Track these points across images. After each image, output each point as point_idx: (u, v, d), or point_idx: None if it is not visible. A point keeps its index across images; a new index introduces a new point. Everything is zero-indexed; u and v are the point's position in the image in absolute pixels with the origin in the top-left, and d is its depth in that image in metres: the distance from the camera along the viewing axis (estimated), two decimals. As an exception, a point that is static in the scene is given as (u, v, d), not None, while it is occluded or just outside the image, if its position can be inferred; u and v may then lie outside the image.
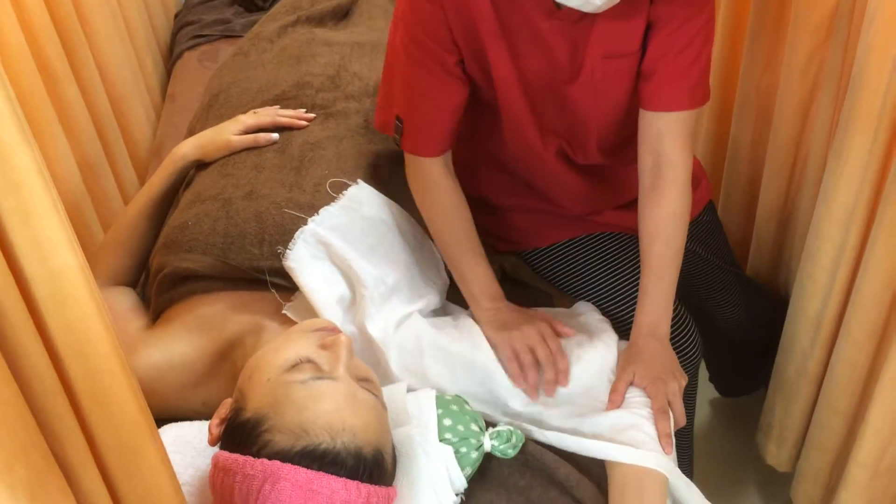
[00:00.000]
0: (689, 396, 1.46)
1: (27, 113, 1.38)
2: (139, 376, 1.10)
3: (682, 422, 1.11)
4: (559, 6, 1.06)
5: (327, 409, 0.88)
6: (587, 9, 1.00)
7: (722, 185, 1.81)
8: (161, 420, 1.09)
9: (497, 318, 1.17)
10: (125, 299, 1.26)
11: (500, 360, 1.13)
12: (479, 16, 1.09)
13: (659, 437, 1.05)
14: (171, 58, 2.21)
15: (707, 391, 1.88)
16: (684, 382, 1.13)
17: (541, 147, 1.23)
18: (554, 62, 1.13)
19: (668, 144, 1.14)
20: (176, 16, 2.35)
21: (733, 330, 1.61)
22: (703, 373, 1.83)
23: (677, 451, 1.42)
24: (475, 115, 1.27)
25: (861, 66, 1.21)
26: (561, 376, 1.12)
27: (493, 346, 1.14)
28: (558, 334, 1.17)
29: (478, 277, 1.21)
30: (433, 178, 1.21)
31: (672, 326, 1.28)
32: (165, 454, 0.70)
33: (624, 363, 1.13)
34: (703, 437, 1.85)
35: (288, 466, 0.84)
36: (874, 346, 1.32)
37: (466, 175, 1.36)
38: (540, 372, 1.12)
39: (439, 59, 1.13)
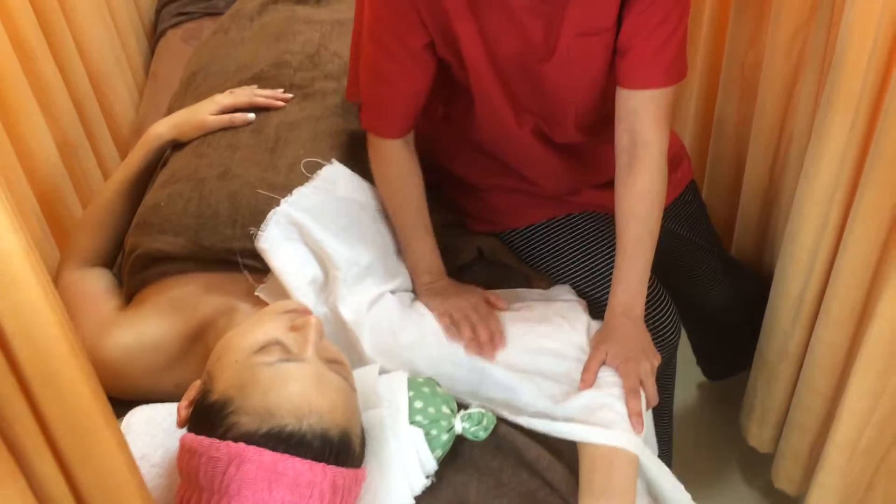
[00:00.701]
0: (667, 377, 1.46)
1: (1, 92, 1.36)
2: (111, 358, 1.11)
3: (654, 401, 1.11)
4: None
5: (293, 392, 0.87)
6: None
7: (707, 164, 1.80)
8: (133, 401, 1.09)
9: (433, 288, 1.21)
10: (100, 280, 1.25)
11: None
12: None
13: (629, 416, 1.05)
14: (154, 36, 2.19)
15: (694, 374, 1.88)
16: (657, 362, 1.13)
17: (516, 126, 1.22)
18: (528, 41, 1.12)
19: (643, 123, 1.13)
20: (160, -7, 2.32)
21: (716, 310, 1.61)
22: (691, 356, 1.83)
23: (657, 432, 1.42)
24: (449, 96, 1.25)
25: (843, 45, 1.20)
26: (496, 336, 1.13)
27: (428, 311, 1.16)
28: (492, 305, 1.19)
29: (423, 252, 1.23)
30: (389, 154, 1.23)
31: (648, 306, 1.27)
32: (122, 438, 0.69)
33: (597, 343, 1.13)
34: (688, 418, 1.86)
35: (253, 448, 0.84)
36: (853, 327, 1.32)
37: (443, 155, 1.35)
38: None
39: (404, 42, 1.11)
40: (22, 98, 1.42)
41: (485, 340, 1.12)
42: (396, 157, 1.22)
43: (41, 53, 1.53)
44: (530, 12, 1.09)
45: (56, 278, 1.27)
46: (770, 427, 1.60)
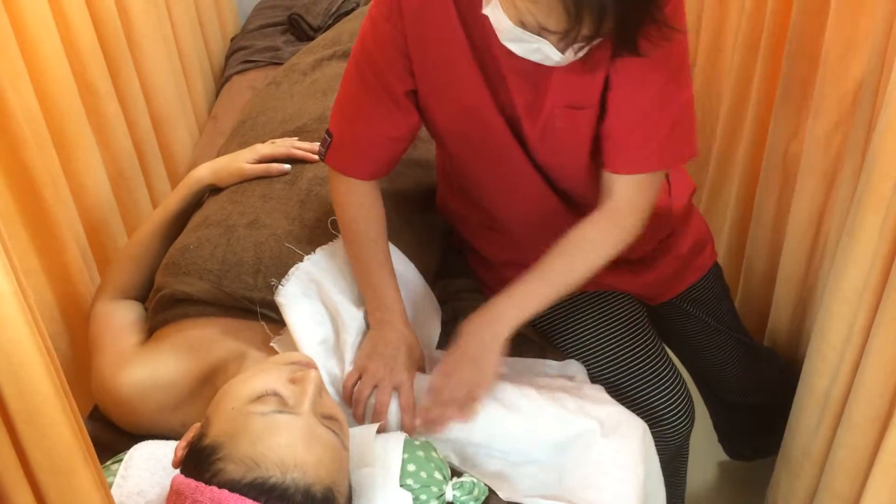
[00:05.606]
0: (680, 462, 1.43)
1: (59, 125, 1.43)
2: (125, 392, 1.14)
3: (438, 430, 1.10)
4: None
5: (281, 444, 0.89)
6: (548, 63, 0.99)
7: (746, 249, 1.78)
8: (140, 436, 1.12)
9: (377, 337, 1.15)
10: (129, 314, 1.29)
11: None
12: (451, 42, 1.08)
13: (401, 407, 1.09)
14: (221, 80, 2.28)
15: (717, 451, 1.84)
16: (474, 401, 1.10)
17: (529, 167, 1.20)
18: (510, 102, 1.12)
19: (619, 195, 1.13)
20: (232, 39, 2.43)
21: (731, 393, 1.59)
22: (713, 434, 1.80)
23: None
24: (458, 166, 1.26)
25: (876, 146, 1.18)
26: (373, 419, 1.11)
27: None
28: (404, 395, 1.12)
29: (375, 285, 1.18)
30: (353, 188, 1.21)
31: (663, 392, 1.26)
32: (100, 477, 0.72)
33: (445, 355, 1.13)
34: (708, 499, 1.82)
35: (235, 497, 0.85)
36: (875, 433, 1.27)
37: (462, 227, 1.37)
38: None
39: (387, 85, 1.13)
40: (80, 133, 1.50)
41: (360, 415, 1.10)
42: (359, 190, 1.20)
43: (105, 92, 1.62)
44: (517, 75, 1.09)
45: (91, 305, 1.33)
46: (791, 527, 1.55)
